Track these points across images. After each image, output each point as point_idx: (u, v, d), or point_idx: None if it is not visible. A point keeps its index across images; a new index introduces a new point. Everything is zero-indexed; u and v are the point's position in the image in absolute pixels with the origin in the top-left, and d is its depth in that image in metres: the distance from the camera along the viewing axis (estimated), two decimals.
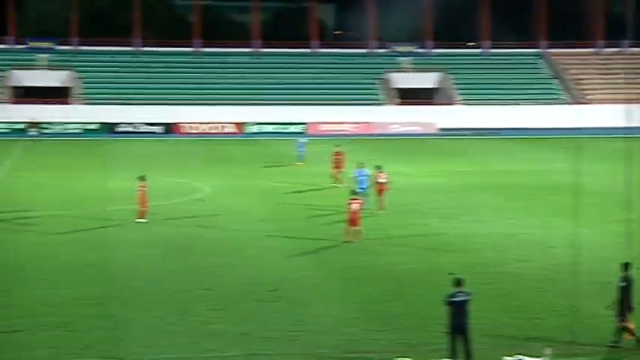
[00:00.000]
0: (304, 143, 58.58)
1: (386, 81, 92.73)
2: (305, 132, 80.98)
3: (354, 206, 33.10)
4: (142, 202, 36.75)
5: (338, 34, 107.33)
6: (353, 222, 33.04)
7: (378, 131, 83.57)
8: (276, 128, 79.75)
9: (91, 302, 24.62)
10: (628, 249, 24.33)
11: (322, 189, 46.02)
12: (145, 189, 36.82)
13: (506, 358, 19.79)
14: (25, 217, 37.87)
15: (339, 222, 35.08)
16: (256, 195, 45.13)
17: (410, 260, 30.57)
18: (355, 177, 41.35)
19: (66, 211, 39.31)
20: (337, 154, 48.73)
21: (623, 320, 21.31)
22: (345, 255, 31.28)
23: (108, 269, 28.83)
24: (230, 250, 31.95)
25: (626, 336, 21.19)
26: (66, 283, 26.71)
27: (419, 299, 24.94)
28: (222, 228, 36.09)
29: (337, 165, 47.76)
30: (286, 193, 45.17)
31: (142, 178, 36.93)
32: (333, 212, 38.31)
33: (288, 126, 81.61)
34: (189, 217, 38.70)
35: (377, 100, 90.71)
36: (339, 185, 45.30)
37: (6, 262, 29.42)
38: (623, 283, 21.41)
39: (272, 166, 57.35)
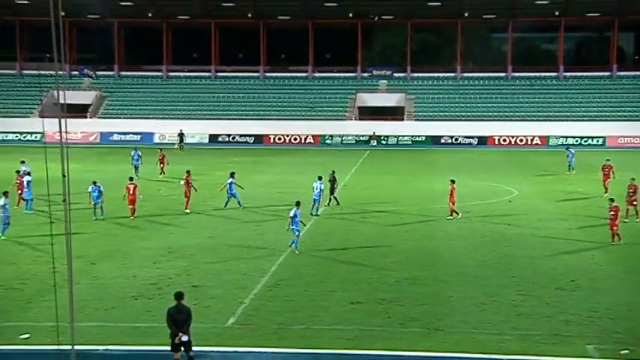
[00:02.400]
0: (573, 154, 56.30)
1: None
2: (604, 144, 78.00)
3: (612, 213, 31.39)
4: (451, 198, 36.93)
5: (638, 58, 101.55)
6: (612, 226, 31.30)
7: None
8: (577, 141, 77.07)
9: (419, 283, 25.37)
10: None
11: (592, 197, 43.29)
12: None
13: None
14: (367, 211, 39.25)
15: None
16: (551, 197, 43.98)
17: None
18: None
19: (398, 207, 40.28)
20: (606, 166, 45.23)
21: None
22: (634, 252, 29.94)
23: (432, 256, 29.47)
24: (532, 244, 31.54)
25: None
26: (400, 266, 27.63)
27: None
28: (526, 225, 35.59)
29: (606, 175, 44.43)
30: (567, 200, 43.39)
31: (452, 181, 37.31)
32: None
33: (588, 139, 78.99)
34: (499, 215, 38.46)
35: None
36: (606, 194, 42.17)
37: (354, 247, 30.75)
38: None
39: (555, 172, 55.68)
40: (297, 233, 29.58)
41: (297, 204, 30.12)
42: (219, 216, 37.74)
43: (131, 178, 40.05)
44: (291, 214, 29.69)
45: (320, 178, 38.89)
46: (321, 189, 38.38)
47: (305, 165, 53.56)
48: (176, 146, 72.13)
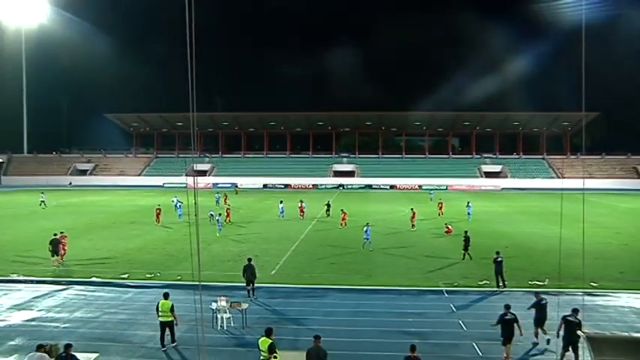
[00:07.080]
0: (433, 192, 56.06)
1: (480, 168, 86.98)
2: (446, 189, 76.91)
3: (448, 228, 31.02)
4: (343, 218, 34.55)
5: (460, 149, 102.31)
6: (448, 230, 30.77)
7: (475, 189, 77.56)
8: (434, 187, 77.11)
9: (361, 254, 25.12)
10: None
11: (436, 218, 41.24)
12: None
13: (530, 282, 18.69)
14: (336, 221, 38.00)
15: (456, 225, 32.99)
16: (422, 213, 42.64)
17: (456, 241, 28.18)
18: (467, 208, 39.32)
19: (352, 219, 38.53)
20: (440, 202, 43.46)
21: None
22: (457, 240, 29.75)
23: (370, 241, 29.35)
24: (415, 235, 31.33)
25: None
26: (353, 247, 27.17)
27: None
28: (410, 225, 34.51)
29: (440, 207, 42.20)
30: (429, 216, 42.21)
31: (342, 210, 36.59)
32: (446, 221, 36.02)
33: (440, 186, 78.07)
34: (399, 221, 38.01)
35: (475, 175, 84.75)
36: (442, 215, 40.19)
37: (331, 238, 30.31)
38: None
39: (424, 202, 54.47)
40: (369, 239, 26.17)
41: (367, 224, 27.50)
42: (270, 223, 37.37)
43: (226, 201, 39.20)
44: (365, 229, 26.63)
45: (302, 201, 39.86)
46: (303, 206, 39.13)
47: (307, 198, 53.45)
48: (235, 191, 71.51)
